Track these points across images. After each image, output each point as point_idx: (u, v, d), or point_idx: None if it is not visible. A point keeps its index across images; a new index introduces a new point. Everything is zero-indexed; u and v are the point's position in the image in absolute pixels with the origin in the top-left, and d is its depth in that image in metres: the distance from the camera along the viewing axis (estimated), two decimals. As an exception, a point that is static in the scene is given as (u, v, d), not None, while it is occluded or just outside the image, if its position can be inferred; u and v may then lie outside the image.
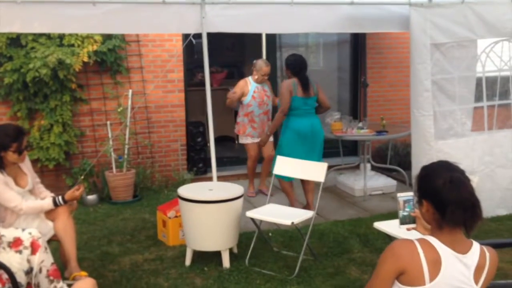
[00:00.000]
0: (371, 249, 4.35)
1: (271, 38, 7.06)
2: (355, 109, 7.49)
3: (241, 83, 5.91)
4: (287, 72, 5.21)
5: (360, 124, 5.99)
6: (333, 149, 6.73)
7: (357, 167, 6.54)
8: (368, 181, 5.97)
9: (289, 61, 5.20)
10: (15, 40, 5.67)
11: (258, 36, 7.04)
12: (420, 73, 4.85)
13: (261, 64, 5.76)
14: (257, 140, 5.87)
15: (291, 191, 5.29)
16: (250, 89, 5.83)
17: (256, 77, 5.81)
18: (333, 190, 6.26)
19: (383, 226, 3.65)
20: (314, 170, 4.30)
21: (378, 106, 7.36)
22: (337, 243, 4.51)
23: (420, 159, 4.74)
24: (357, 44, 7.44)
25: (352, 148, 7.38)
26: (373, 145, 6.93)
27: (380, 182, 6.15)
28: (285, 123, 5.17)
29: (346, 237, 4.65)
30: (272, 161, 6.01)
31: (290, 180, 5.18)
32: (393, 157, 6.77)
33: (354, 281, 3.77)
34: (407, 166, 5.95)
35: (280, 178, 5.03)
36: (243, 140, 6.01)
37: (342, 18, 5.01)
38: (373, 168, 6.47)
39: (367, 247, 4.41)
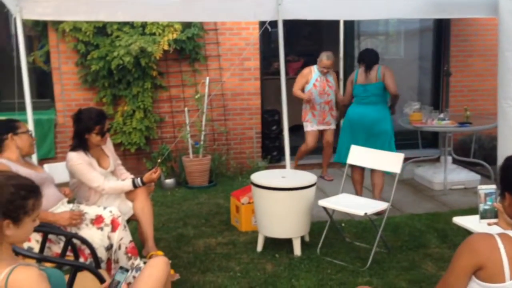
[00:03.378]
0: (449, 245, 4.16)
1: (349, 26, 6.92)
2: (437, 100, 7.17)
3: (305, 70, 6.09)
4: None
5: (442, 115, 5.73)
6: (412, 141, 6.50)
7: (437, 160, 6.28)
8: (449, 175, 5.70)
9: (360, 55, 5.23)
10: (101, 29, 5.94)
11: (336, 24, 6.92)
12: (508, 61, 4.52)
13: (322, 57, 5.92)
14: (316, 128, 6.06)
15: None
16: (313, 76, 5.98)
17: (319, 68, 5.98)
18: (410, 183, 6.05)
19: (463, 221, 3.47)
20: (390, 161, 4.17)
21: (462, 97, 7.01)
22: (413, 237, 4.36)
23: (507, 152, 4.42)
24: (441, 31, 7.11)
25: (432, 140, 7.09)
26: (455, 138, 6.62)
27: (462, 176, 5.86)
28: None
29: (423, 232, 4.48)
30: (331, 147, 6.09)
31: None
32: (477, 151, 6.43)
33: (430, 277, 3.63)
34: (492, 160, 5.62)
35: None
36: (305, 128, 6.14)
37: (426, 3, 4.79)
38: (455, 161, 6.18)
39: (445, 243, 4.22)
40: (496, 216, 2.24)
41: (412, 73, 7.55)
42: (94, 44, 5.92)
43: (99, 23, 5.85)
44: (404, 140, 6.32)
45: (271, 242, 4.17)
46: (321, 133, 6.16)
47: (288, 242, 4.08)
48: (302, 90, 6.02)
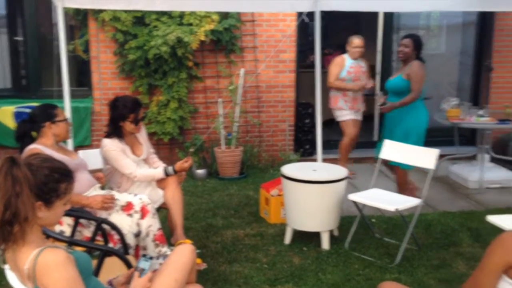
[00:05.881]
0: (482, 245, 4.05)
1: (388, 19, 6.79)
2: (476, 96, 6.98)
3: (337, 59, 5.91)
4: (410, 54, 4.80)
5: (481, 112, 5.56)
6: (448, 137, 6.35)
7: (473, 157, 6.11)
8: (486, 173, 5.55)
9: (419, 40, 4.86)
10: (139, 19, 6.01)
11: (375, 17, 6.81)
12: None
13: (351, 39, 5.79)
14: (353, 117, 5.83)
15: (408, 180, 5.02)
16: (346, 64, 5.81)
17: (350, 53, 5.80)
18: (444, 180, 5.91)
19: (497, 220, 3.37)
20: (424, 157, 4.08)
21: (503, 93, 6.79)
22: (445, 235, 4.28)
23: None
24: (484, 26, 6.90)
25: (469, 137, 6.91)
26: (494, 135, 6.40)
27: (499, 175, 5.68)
28: (416, 110, 4.80)
29: (456, 230, 4.38)
30: (355, 141, 5.94)
31: (409, 168, 4.81)
32: (517, 149, 6.23)
33: (461, 276, 3.55)
34: (533, 159, 5.45)
35: (397, 166, 4.75)
36: (339, 117, 5.91)
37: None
38: (493, 159, 6.00)
39: (478, 242, 4.12)
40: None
41: (452, 68, 7.38)
42: (132, 33, 6.00)
43: (137, 13, 5.92)
44: (440, 136, 6.18)
45: (299, 235, 4.16)
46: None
47: (316, 235, 4.06)
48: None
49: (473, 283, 1.88)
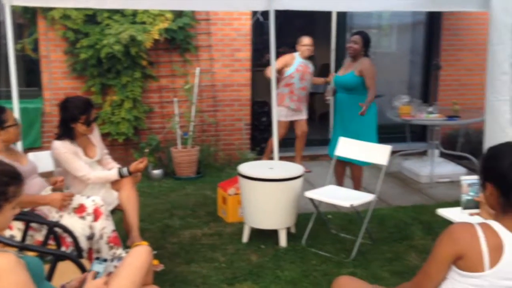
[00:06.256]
0: (433, 237, 4.15)
1: (341, 19, 6.89)
2: (426, 93, 7.20)
3: (286, 56, 6.06)
4: (359, 50, 4.89)
5: (430, 109, 5.75)
6: (400, 134, 6.52)
7: (424, 153, 6.31)
8: (436, 168, 5.74)
9: (368, 37, 4.98)
10: (91, 17, 5.87)
11: (328, 16, 6.90)
12: (497, 55, 4.50)
13: (301, 38, 6.03)
14: (290, 118, 5.99)
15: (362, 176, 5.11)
16: (295, 62, 5.98)
17: (300, 51, 6.01)
18: (397, 176, 6.07)
19: (446, 212, 3.48)
20: (377, 153, 4.18)
21: (451, 91, 7.03)
22: (398, 229, 4.39)
23: (493, 146, 4.46)
24: (432, 25, 7.12)
25: (420, 133, 7.11)
26: (443, 131, 6.63)
27: (448, 170, 5.90)
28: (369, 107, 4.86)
29: (408, 224, 4.51)
30: (305, 138, 6.10)
31: (366, 164, 4.86)
32: (464, 144, 6.46)
33: (414, 268, 3.65)
34: (479, 154, 5.62)
35: (356, 163, 4.82)
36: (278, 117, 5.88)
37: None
38: (442, 155, 6.21)
39: (430, 235, 4.25)
40: (478, 207, 2.26)
41: (403, 67, 7.57)
42: (84, 32, 5.85)
43: (89, 11, 5.78)
44: (392, 133, 6.34)
45: (257, 233, 4.17)
46: (292, 123, 6.08)
47: (274, 233, 4.09)
48: (279, 71, 5.87)
49: (424, 273, 1.94)
